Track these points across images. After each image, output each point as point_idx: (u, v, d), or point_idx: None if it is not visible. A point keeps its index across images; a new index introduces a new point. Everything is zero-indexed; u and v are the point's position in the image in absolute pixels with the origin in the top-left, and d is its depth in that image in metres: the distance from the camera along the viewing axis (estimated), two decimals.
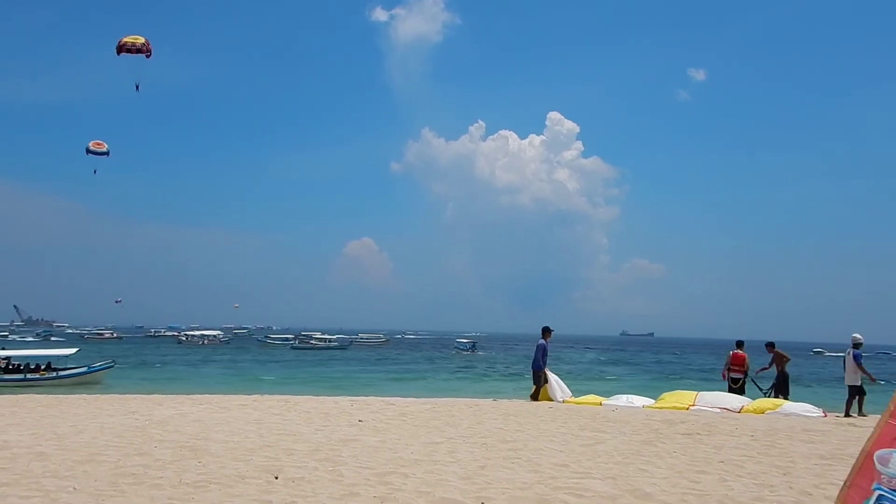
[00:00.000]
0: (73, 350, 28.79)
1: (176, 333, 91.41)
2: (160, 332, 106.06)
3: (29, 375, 25.26)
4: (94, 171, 27.56)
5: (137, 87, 22.15)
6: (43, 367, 26.15)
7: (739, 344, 16.52)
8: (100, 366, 28.22)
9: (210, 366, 41.37)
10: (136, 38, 19.60)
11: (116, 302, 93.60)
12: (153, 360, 46.06)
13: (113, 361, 29.93)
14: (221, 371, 37.12)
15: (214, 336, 78.16)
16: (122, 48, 20.09)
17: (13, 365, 25.92)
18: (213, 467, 6.01)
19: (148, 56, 20.26)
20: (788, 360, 16.14)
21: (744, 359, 16.12)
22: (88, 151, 26.21)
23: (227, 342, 77.88)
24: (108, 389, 21.47)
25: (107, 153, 26.71)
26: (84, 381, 25.97)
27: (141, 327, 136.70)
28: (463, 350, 72.87)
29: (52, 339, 79.46)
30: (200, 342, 74.32)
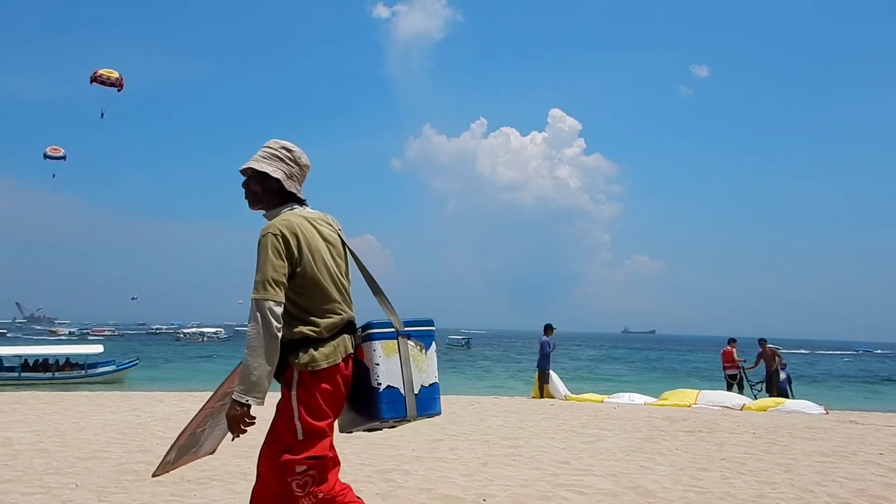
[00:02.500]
0: (100, 348, 28.81)
1: (175, 330, 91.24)
2: (161, 329, 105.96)
3: (57, 374, 25.29)
4: (53, 175, 28.17)
5: (102, 115, 22.34)
6: (63, 364, 26.16)
7: (730, 341, 16.66)
8: (127, 363, 28.29)
9: (212, 363, 41.43)
10: (111, 72, 19.73)
11: (132, 299, 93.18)
12: (156, 357, 46.10)
13: (137, 358, 29.99)
14: (224, 368, 37.17)
15: (214, 333, 78.06)
16: (95, 79, 20.18)
17: (38, 362, 25.92)
18: (215, 464, 6.01)
19: (119, 90, 20.39)
20: (780, 359, 16.19)
21: (731, 354, 16.26)
22: (46, 157, 26.65)
23: (227, 339, 77.81)
24: (130, 386, 21.57)
25: (63, 157, 27.17)
26: (112, 378, 26.05)
27: (143, 324, 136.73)
28: (457, 346, 72.92)
29: (90, 337, 78.60)
30: (199, 339, 74.29)
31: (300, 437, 2.57)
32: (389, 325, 2.74)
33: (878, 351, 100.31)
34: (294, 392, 2.59)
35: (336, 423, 2.81)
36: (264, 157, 2.80)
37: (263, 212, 2.84)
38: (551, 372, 14.69)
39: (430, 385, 2.75)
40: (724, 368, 16.57)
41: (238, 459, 6.26)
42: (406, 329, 2.74)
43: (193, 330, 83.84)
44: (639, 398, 13.74)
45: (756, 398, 14.26)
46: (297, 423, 2.58)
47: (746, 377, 16.28)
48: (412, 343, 2.74)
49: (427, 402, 2.73)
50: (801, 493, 5.39)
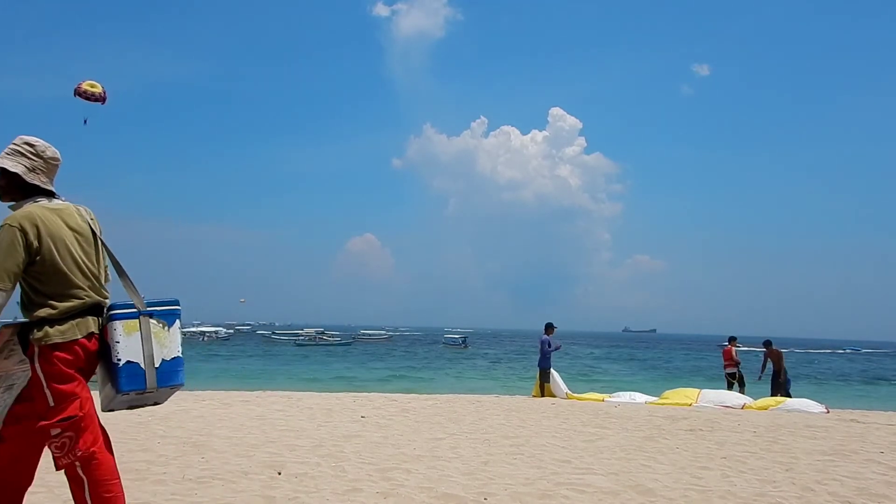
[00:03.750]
0: None
1: None
2: None
3: None
4: None
5: (85, 122, 22.48)
6: None
7: (731, 339, 16.64)
8: None
9: (212, 362, 41.44)
10: (95, 87, 19.83)
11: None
12: None
13: None
14: (223, 367, 37.16)
15: (213, 332, 77.98)
16: (78, 94, 20.28)
17: None
18: (215, 463, 6.03)
19: (103, 103, 20.57)
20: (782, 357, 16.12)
21: (730, 353, 16.21)
22: None
23: (227, 339, 77.78)
24: None
25: None
26: None
27: None
28: (453, 345, 73.02)
29: None
30: (200, 339, 74.25)
31: (51, 403, 2.87)
32: (132, 305, 3.04)
33: (865, 350, 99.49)
34: (37, 364, 2.88)
35: (99, 402, 3.18)
36: (7, 154, 3.05)
37: (13, 203, 3.08)
38: (552, 371, 14.69)
39: (173, 359, 3.08)
40: (725, 367, 16.56)
41: (239, 458, 6.26)
42: (148, 309, 3.06)
43: (193, 329, 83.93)
44: (640, 397, 13.73)
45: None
46: (47, 391, 2.87)
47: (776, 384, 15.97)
48: (154, 321, 3.06)
49: (169, 375, 3.06)
50: (801, 491, 5.39)
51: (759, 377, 16.13)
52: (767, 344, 16.07)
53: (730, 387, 15.72)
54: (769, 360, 15.91)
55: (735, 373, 16.20)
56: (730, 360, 16.28)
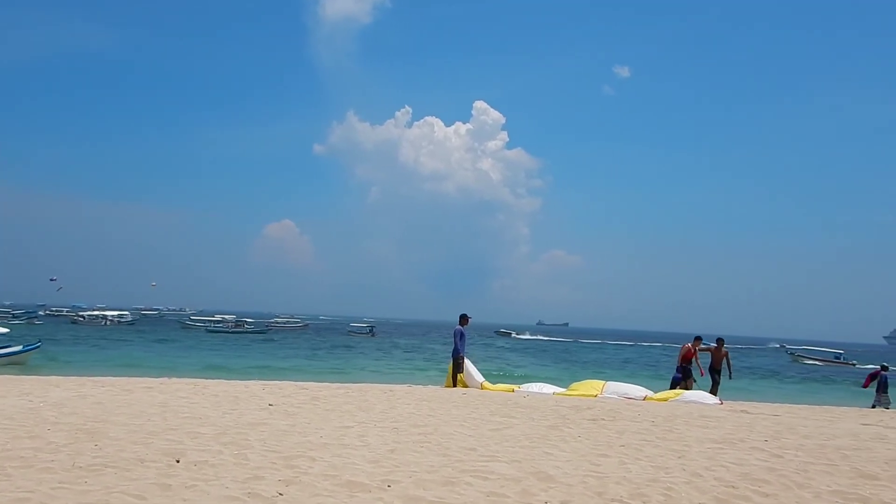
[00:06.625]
0: (5, 329, 27.25)
1: (75, 313, 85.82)
2: (61, 311, 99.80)
3: None
4: None
5: None
6: None
7: (696, 339, 16.74)
8: (29, 346, 26.97)
9: (116, 347, 39.61)
10: None
11: (51, 280, 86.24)
12: (51, 341, 43.61)
13: (39, 341, 28.54)
14: (126, 353, 35.58)
15: (117, 317, 74.47)
16: None
17: None
18: (110, 451, 5.78)
19: None
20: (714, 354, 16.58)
21: (686, 351, 16.40)
22: None
23: (132, 323, 74.37)
24: (22, 371, 20.30)
25: None
26: (14, 361, 24.80)
27: (43, 305, 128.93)
28: (359, 333, 73.34)
29: (37, 322, 71.05)
30: (102, 323, 70.73)
31: None
32: None
33: (739, 346, 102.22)
34: None
35: None
36: None
37: None
38: (466, 361, 14.85)
39: None
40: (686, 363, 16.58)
41: (135, 445, 6.03)
42: None
43: (95, 313, 79.72)
44: (548, 388, 14.10)
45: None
46: None
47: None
48: None
49: None
50: (691, 476, 5.69)
51: (730, 376, 16.48)
52: (720, 342, 16.55)
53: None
54: (712, 354, 16.37)
55: (683, 367, 16.31)
56: (682, 356, 16.41)
